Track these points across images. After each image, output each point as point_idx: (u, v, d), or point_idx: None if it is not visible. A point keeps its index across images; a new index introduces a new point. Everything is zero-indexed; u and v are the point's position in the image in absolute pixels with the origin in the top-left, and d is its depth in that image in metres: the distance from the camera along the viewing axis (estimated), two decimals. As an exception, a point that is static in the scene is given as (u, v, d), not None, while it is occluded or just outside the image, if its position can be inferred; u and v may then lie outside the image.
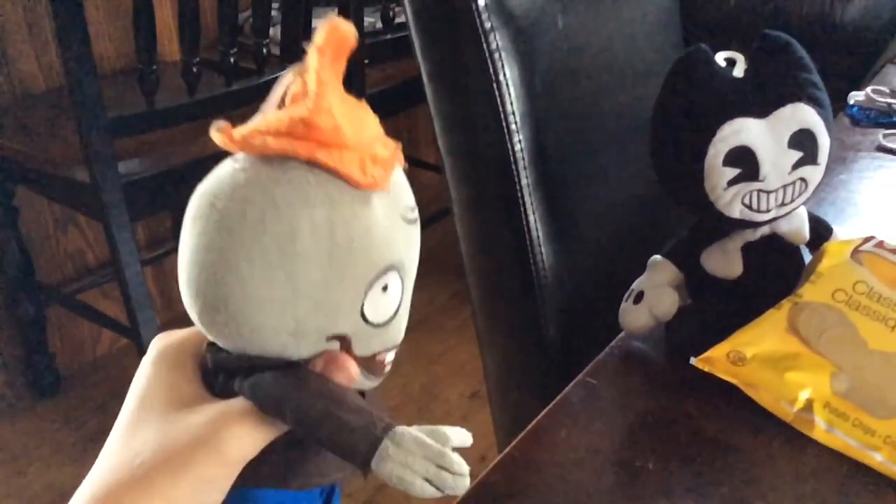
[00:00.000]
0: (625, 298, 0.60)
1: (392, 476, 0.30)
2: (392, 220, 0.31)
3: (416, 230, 0.33)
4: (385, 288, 0.31)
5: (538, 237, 0.63)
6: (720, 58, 0.54)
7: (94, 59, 1.19)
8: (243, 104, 1.42)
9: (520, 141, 0.60)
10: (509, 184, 0.61)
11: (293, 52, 1.48)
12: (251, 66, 1.45)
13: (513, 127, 0.59)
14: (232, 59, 1.38)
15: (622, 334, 0.61)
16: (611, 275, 0.61)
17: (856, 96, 1.02)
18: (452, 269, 1.02)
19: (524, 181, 0.61)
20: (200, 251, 0.30)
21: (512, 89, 0.58)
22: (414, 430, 0.31)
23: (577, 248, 0.67)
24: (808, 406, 0.49)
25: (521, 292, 0.65)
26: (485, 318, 0.72)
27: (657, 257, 0.60)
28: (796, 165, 0.51)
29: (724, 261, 0.56)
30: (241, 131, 0.30)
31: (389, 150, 0.31)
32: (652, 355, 0.59)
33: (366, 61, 1.71)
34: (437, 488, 0.31)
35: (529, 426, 0.53)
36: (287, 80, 0.31)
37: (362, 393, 0.34)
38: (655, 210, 0.69)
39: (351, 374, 0.32)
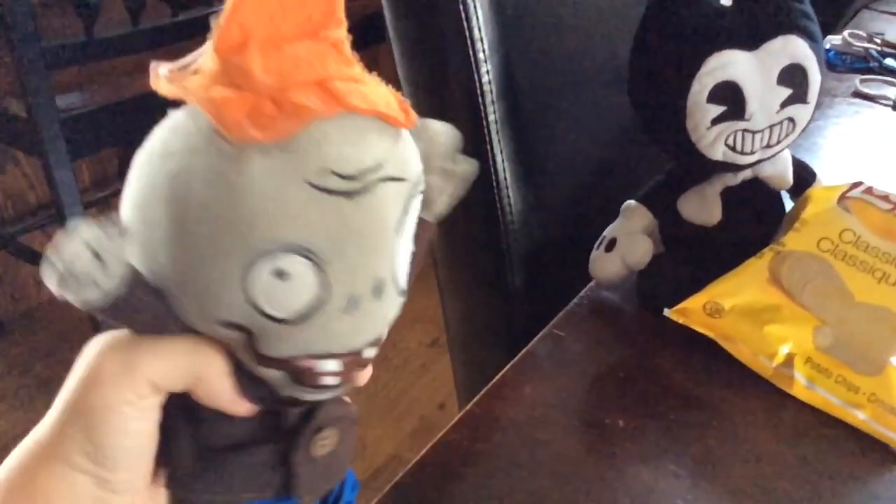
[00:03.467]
0: (596, 246, 0.57)
1: None
2: (290, 187, 0.23)
3: (348, 204, 0.24)
4: (281, 274, 0.24)
5: (505, 179, 0.59)
6: (707, -16, 0.49)
7: (27, -18, 1.10)
8: (190, 36, 1.34)
9: (487, 72, 0.55)
10: (475, 119, 0.56)
11: (245, -18, 1.39)
12: (200, -4, 1.37)
13: (480, 56, 0.54)
14: (179, -13, 1.29)
15: (592, 283, 0.57)
16: (581, 221, 0.57)
17: (832, 40, 0.99)
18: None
19: (491, 116, 0.56)
20: None
21: (480, 12, 0.53)
22: None
23: (546, 192, 0.63)
24: (789, 361, 0.47)
25: (486, 238, 0.61)
26: (446, 265, 0.68)
27: (631, 202, 0.56)
28: (785, 104, 0.48)
29: (703, 206, 0.53)
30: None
31: (324, 97, 0.24)
32: (623, 306, 0.56)
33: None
34: None
35: (492, 381, 0.50)
36: None
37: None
38: (630, 153, 0.65)
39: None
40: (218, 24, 0.23)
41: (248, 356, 0.26)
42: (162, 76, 0.24)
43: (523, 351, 0.52)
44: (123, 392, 0.25)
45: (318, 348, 0.26)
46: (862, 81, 0.91)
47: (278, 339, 0.25)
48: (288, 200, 0.24)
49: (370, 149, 0.25)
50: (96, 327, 1.38)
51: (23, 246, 1.63)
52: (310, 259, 0.24)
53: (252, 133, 0.23)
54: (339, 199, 0.24)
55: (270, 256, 0.24)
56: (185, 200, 0.23)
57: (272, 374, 0.26)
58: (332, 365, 0.27)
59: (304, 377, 0.26)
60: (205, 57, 0.24)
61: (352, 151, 0.24)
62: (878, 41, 0.98)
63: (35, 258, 1.59)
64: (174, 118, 0.25)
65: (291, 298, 0.25)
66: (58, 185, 1.25)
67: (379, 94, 0.26)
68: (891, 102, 0.87)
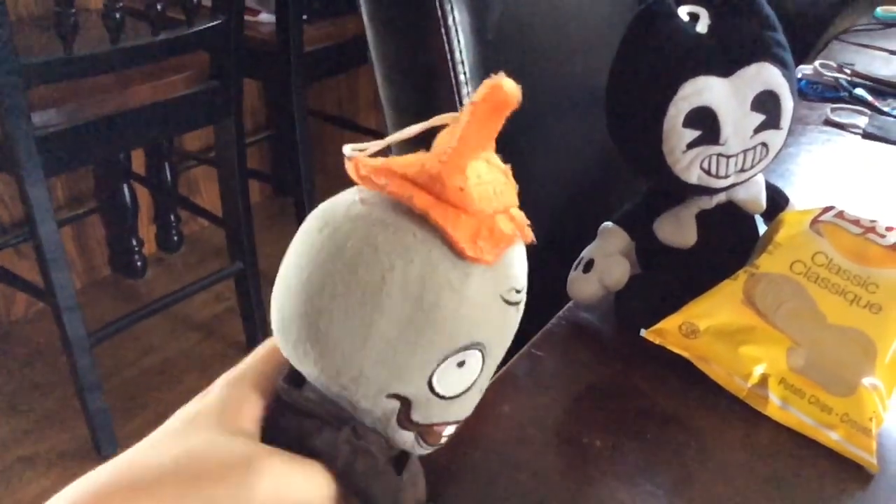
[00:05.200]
0: (574, 267, 0.57)
1: None
2: (489, 299, 0.29)
3: (515, 312, 0.31)
4: (461, 364, 0.30)
5: (484, 199, 0.60)
6: (683, 12, 0.50)
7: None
8: (169, 55, 1.34)
9: (468, 94, 0.56)
10: (456, 140, 0.56)
11: (225, 3, 1.40)
12: (180, 17, 1.36)
13: (461, 78, 0.55)
14: (159, 7, 1.29)
15: (570, 304, 0.58)
16: (559, 242, 0.58)
17: (804, 70, 1.01)
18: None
19: (472, 138, 0.57)
20: (299, 270, 0.29)
21: (461, 36, 0.54)
22: None
23: (524, 214, 0.63)
24: (763, 381, 0.47)
25: (465, 258, 0.61)
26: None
27: (608, 224, 0.57)
28: (758, 129, 0.49)
29: (678, 229, 0.54)
30: (370, 165, 0.28)
31: (513, 226, 0.30)
32: (601, 326, 0.56)
33: (304, 17, 1.63)
34: None
35: (471, 400, 0.50)
36: (441, 121, 0.30)
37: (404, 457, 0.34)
38: (606, 176, 0.66)
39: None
40: (445, 154, 0.27)
41: (389, 423, 0.30)
42: (382, 174, 0.28)
43: (502, 370, 0.52)
44: None
45: (453, 417, 0.32)
46: (833, 110, 0.93)
47: (431, 409, 0.30)
48: (489, 310, 0.29)
49: (526, 268, 0.31)
50: (68, 347, 1.36)
51: (-6, 264, 1.60)
52: (481, 353, 0.30)
53: (486, 257, 0.28)
54: (509, 307, 0.30)
55: (461, 353, 0.29)
56: (418, 299, 0.27)
57: (405, 436, 0.31)
58: (452, 428, 0.32)
59: (431, 438, 0.32)
60: (412, 165, 0.28)
61: (522, 272, 0.31)
62: (848, 71, 1.00)
63: (7, 276, 1.56)
64: (379, 220, 0.28)
65: (461, 383, 0.30)
66: (31, 203, 1.24)
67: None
68: (860, 131, 0.89)
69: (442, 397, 0.30)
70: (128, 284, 2.00)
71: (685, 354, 0.49)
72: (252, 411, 0.31)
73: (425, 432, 0.31)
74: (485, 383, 0.32)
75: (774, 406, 0.47)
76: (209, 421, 0.30)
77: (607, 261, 0.55)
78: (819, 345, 0.47)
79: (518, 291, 0.31)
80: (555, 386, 0.51)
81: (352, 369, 0.29)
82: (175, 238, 2.12)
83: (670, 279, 0.55)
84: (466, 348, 0.29)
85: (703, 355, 0.49)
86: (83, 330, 1.37)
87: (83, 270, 1.97)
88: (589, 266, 0.55)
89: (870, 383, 0.45)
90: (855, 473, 0.44)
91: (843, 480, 0.44)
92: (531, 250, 0.32)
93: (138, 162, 1.93)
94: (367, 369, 0.28)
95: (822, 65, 1.01)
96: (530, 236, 0.31)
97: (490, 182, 0.29)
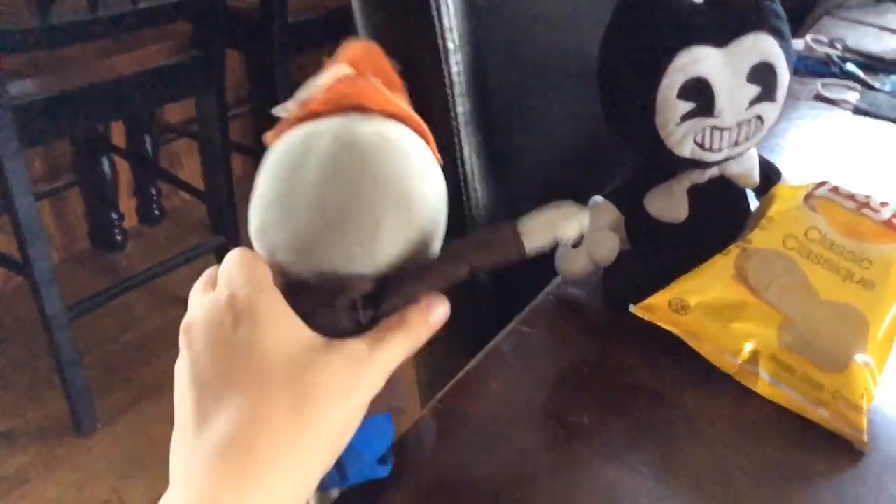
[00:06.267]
0: (563, 241, 0.56)
1: (540, 241, 0.42)
2: None
3: None
4: None
5: (472, 173, 0.58)
6: (678, -21, 0.49)
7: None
8: (150, 24, 1.31)
9: (457, 63, 0.54)
10: (443, 111, 0.55)
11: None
12: (161, -16, 1.33)
13: (450, 45, 0.53)
14: (139, -26, 1.26)
15: (558, 279, 0.57)
16: (548, 215, 0.56)
17: (795, 45, 1.00)
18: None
19: (459, 109, 0.55)
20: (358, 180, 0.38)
21: (451, 2, 0.52)
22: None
23: (513, 187, 0.62)
24: (754, 358, 0.47)
25: (452, 233, 0.60)
26: (410, 260, 0.67)
27: (598, 198, 0.56)
28: (753, 102, 0.48)
29: (670, 204, 0.53)
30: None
31: None
32: (589, 302, 0.56)
33: (288, -13, 1.60)
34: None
35: (457, 376, 0.49)
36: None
37: None
38: (598, 149, 0.65)
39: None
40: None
41: None
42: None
43: (489, 346, 0.51)
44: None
45: None
46: (823, 86, 0.92)
47: None
48: None
49: None
50: (46, 322, 1.34)
51: (-30, 237, 1.57)
52: None
53: None
54: None
55: None
56: (441, 190, 0.43)
57: None
58: None
59: None
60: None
61: None
62: (839, 47, 0.99)
63: (-17, 250, 1.54)
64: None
65: None
66: (8, 175, 1.21)
67: None
68: (851, 106, 0.88)
69: None
70: (107, 258, 1.97)
71: (675, 331, 0.49)
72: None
73: None
74: None
75: (765, 383, 0.46)
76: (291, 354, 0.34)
77: (596, 235, 0.54)
78: (811, 321, 0.46)
79: None
80: (542, 362, 0.51)
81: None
82: (156, 212, 2.09)
83: (661, 254, 0.54)
84: None
85: (693, 331, 0.48)
86: (61, 304, 1.35)
87: (62, 244, 1.94)
88: (577, 241, 0.54)
89: (862, 360, 0.44)
90: (845, 450, 0.44)
91: (833, 457, 0.43)
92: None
93: (118, 134, 1.90)
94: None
95: (813, 40, 1.00)
96: None
97: None
